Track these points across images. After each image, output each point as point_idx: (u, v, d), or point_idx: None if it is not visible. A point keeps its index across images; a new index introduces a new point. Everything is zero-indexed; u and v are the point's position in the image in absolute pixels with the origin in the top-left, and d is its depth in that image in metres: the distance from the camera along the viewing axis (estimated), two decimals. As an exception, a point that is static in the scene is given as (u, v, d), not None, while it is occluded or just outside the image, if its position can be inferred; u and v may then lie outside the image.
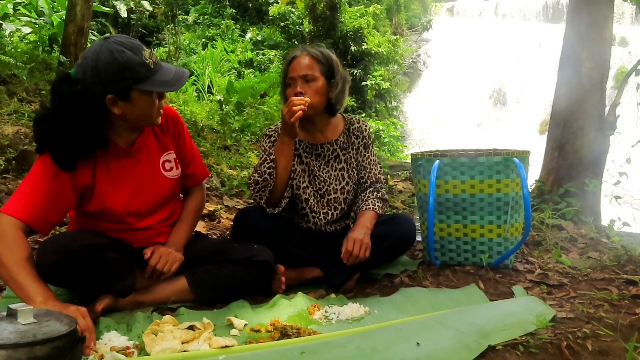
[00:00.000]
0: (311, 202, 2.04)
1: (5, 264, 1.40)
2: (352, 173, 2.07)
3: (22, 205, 1.47)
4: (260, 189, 1.92)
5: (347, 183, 2.06)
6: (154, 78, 1.51)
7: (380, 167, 2.13)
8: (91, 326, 1.37)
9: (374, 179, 2.07)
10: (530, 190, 3.09)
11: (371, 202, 2.01)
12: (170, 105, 6.26)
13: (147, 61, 1.49)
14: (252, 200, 2.03)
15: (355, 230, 1.90)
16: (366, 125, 2.11)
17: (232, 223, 2.98)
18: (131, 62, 1.46)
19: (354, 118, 2.13)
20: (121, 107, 1.52)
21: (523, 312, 1.63)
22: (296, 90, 1.90)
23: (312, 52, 1.96)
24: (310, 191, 2.04)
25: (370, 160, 2.09)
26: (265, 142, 2.03)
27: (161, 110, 1.63)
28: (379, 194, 2.04)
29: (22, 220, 1.46)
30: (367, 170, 2.08)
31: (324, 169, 2.06)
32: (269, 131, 2.07)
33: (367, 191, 2.06)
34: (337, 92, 1.97)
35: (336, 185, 2.06)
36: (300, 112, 1.80)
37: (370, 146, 2.11)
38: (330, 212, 2.05)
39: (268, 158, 1.93)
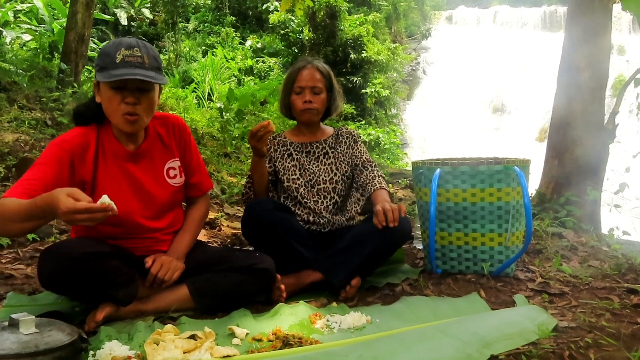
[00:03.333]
0: (301, 191, 2.17)
1: (10, 208, 1.38)
2: (341, 166, 2.22)
3: (17, 188, 1.48)
4: (247, 200, 2.17)
5: (336, 174, 2.21)
6: (109, 71, 1.51)
7: (371, 157, 2.28)
8: (89, 200, 1.31)
9: (365, 160, 2.22)
10: (530, 199, 3.10)
11: (377, 181, 2.13)
12: (171, 112, 6.29)
13: (117, 56, 1.51)
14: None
15: (380, 203, 1.95)
16: (354, 131, 2.33)
17: (232, 231, 2.99)
18: (104, 51, 1.55)
19: (342, 127, 2.34)
20: (99, 96, 1.59)
21: (525, 322, 1.63)
22: (306, 98, 2.13)
23: (319, 66, 2.19)
24: (301, 182, 2.18)
25: (361, 150, 2.26)
26: None
27: (132, 115, 1.56)
28: (380, 173, 2.19)
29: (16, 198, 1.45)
30: (358, 157, 2.23)
31: (314, 164, 2.22)
32: None
33: (368, 171, 2.18)
34: (335, 104, 2.25)
35: (325, 176, 2.20)
36: (266, 136, 1.90)
37: (359, 142, 2.29)
38: (320, 200, 2.17)
39: (250, 173, 2.12)
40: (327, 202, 2.17)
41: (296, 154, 2.22)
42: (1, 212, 1.39)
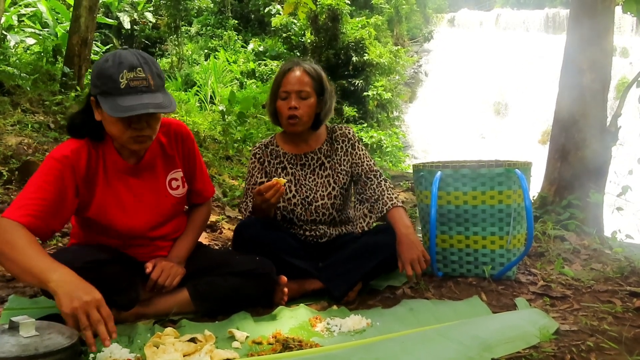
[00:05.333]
0: (297, 212, 2.06)
1: (10, 256, 1.33)
2: (338, 178, 2.09)
3: (23, 210, 1.41)
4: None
5: (334, 188, 2.08)
6: (114, 98, 1.41)
7: (374, 162, 2.15)
8: (108, 314, 1.30)
9: (367, 169, 2.08)
10: (532, 201, 3.09)
11: (388, 196, 1.98)
12: (173, 116, 6.30)
13: (121, 81, 1.41)
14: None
15: (403, 240, 1.86)
16: (349, 130, 2.15)
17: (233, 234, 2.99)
18: (104, 72, 1.43)
19: (336, 126, 2.17)
20: (99, 114, 1.51)
21: (526, 325, 1.63)
22: (291, 104, 1.97)
23: (305, 67, 2.02)
24: (298, 200, 2.06)
25: (360, 155, 2.11)
26: (253, 162, 2.11)
27: (140, 137, 1.49)
28: (388, 184, 2.04)
29: (23, 224, 1.39)
30: (360, 165, 2.09)
31: (310, 177, 2.09)
32: (255, 149, 2.14)
33: (375, 185, 2.03)
34: (325, 109, 2.05)
35: (323, 191, 2.07)
36: (275, 199, 1.80)
37: (357, 144, 2.13)
38: (318, 219, 2.08)
39: (248, 200, 2.04)
40: (325, 218, 2.09)
41: (290, 167, 2.09)
42: (10, 246, 1.33)
